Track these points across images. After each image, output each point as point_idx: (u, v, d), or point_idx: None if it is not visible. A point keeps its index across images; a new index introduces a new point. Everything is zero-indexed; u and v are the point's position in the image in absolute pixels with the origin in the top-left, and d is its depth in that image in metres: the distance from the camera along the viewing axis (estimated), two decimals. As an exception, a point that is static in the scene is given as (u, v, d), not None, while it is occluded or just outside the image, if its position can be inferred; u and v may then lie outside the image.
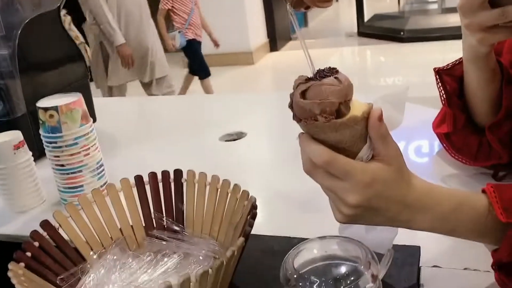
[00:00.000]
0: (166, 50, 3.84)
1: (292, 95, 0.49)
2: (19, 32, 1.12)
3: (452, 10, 6.17)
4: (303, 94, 0.47)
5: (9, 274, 0.58)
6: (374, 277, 0.50)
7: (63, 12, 2.71)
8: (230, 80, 4.64)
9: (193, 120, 1.45)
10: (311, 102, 0.46)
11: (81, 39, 3.79)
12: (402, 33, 5.77)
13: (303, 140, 0.50)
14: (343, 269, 0.52)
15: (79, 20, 3.67)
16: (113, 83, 3.48)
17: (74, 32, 3.78)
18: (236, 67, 4.78)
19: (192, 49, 4.38)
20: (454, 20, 4.84)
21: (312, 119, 0.47)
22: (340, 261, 0.53)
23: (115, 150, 1.21)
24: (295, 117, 0.49)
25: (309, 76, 0.49)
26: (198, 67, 4.46)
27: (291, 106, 0.49)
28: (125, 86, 3.60)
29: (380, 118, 0.48)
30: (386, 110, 0.48)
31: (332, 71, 0.48)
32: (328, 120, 0.46)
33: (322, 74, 0.48)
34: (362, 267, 0.50)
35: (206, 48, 4.54)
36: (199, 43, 4.39)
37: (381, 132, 0.48)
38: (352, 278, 0.49)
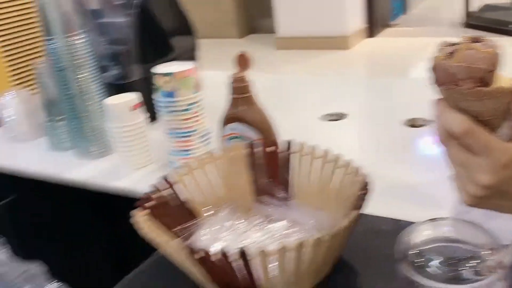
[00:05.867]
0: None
1: (434, 58, 0.46)
2: (140, 0, 1.19)
3: None
4: (449, 57, 0.44)
5: (136, 219, 0.61)
6: (499, 264, 0.48)
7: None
8: (325, 63, 4.51)
9: (293, 98, 1.45)
10: (458, 65, 0.43)
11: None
12: (510, 25, 5.36)
13: (441, 107, 0.46)
14: (464, 252, 0.50)
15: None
16: None
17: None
18: (331, 51, 4.65)
19: None
20: None
21: (455, 84, 0.44)
22: (459, 244, 0.51)
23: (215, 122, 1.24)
24: (435, 81, 0.46)
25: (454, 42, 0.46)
26: None
27: (433, 68, 0.46)
28: None
29: None
30: None
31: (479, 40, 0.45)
32: (474, 87, 0.43)
33: (470, 39, 0.45)
34: (486, 252, 0.48)
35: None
36: None
37: None
38: (475, 262, 0.47)
